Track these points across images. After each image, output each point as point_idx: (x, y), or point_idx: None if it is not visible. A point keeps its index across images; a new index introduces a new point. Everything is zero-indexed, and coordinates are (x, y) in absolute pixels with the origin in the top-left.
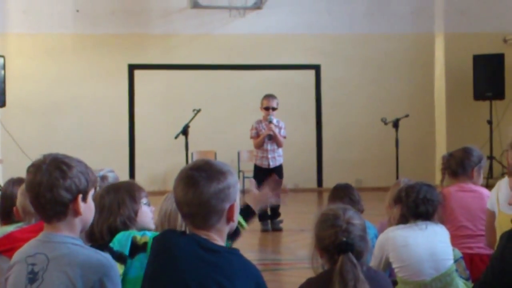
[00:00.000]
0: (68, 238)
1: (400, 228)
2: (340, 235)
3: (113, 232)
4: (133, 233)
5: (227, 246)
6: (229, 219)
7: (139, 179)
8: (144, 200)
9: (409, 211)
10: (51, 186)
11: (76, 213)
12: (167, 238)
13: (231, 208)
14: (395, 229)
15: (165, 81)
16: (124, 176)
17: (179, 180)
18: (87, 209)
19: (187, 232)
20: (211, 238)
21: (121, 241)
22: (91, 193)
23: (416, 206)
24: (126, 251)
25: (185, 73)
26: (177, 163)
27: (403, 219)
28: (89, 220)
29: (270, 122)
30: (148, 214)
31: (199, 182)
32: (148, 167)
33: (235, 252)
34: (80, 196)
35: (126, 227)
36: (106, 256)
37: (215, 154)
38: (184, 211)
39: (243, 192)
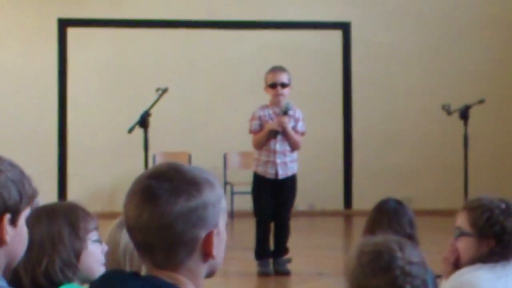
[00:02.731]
0: None
1: (482, 269)
2: (400, 281)
3: (51, 281)
4: None
5: None
6: (206, 254)
7: (73, 194)
8: (92, 235)
9: (507, 248)
10: None
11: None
12: (111, 283)
13: (209, 237)
14: (473, 270)
15: (114, 46)
16: (50, 189)
17: (132, 193)
18: (18, 237)
19: (143, 272)
20: (178, 282)
21: None
22: (24, 213)
23: None
24: None
25: (144, 33)
26: (131, 170)
27: (497, 258)
28: (18, 254)
29: (286, 113)
30: (96, 256)
31: (159, 197)
32: (87, 175)
33: None
34: (8, 216)
35: (64, 275)
36: None
37: (190, 157)
38: (138, 239)
39: (232, 215)
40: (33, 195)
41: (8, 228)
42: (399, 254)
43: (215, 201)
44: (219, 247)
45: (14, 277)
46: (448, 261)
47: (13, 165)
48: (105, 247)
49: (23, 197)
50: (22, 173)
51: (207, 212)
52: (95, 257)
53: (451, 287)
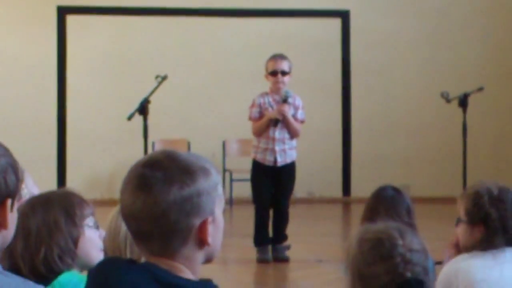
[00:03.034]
0: None
1: (476, 256)
2: (401, 269)
3: (50, 269)
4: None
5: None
6: (202, 241)
7: (73, 181)
8: (89, 221)
9: (498, 235)
10: None
11: (2, 225)
12: (108, 271)
13: (203, 225)
14: (469, 257)
15: (114, 33)
16: (49, 177)
17: (127, 181)
18: (13, 221)
19: (142, 260)
20: (174, 269)
21: (68, 287)
22: (17, 197)
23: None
24: None
25: (144, 21)
26: (131, 157)
27: (486, 245)
28: (10, 238)
29: (285, 101)
30: (94, 242)
31: (152, 185)
32: (86, 163)
33: (209, 285)
34: (9, 201)
35: (63, 262)
36: None
37: (189, 144)
38: (132, 227)
39: (231, 203)
40: (23, 178)
41: (9, 213)
42: (400, 242)
43: (210, 189)
44: (215, 234)
45: (12, 266)
46: (451, 246)
47: (6, 149)
48: (102, 232)
49: (19, 181)
50: (13, 157)
51: (201, 200)
52: (93, 243)
53: (446, 274)
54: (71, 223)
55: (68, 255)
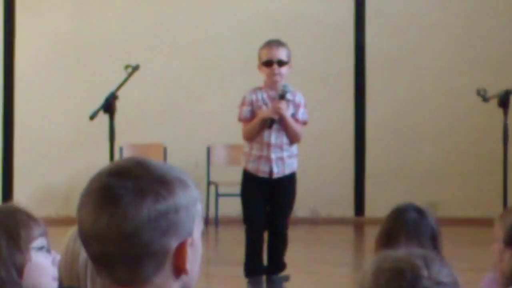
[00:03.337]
0: None
1: None
2: None
3: None
4: None
5: None
6: (179, 268)
7: (21, 194)
8: (37, 243)
9: None
10: None
11: None
12: None
13: (182, 247)
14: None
15: (74, 13)
16: None
17: (88, 194)
18: None
19: None
20: None
21: None
22: None
23: None
24: None
25: (110, 0)
26: (93, 166)
27: None
28: None
29: (283, 97)
30: (45, 269)
31: (120, 198)
32: (38, 172)
33: None
34: None
35: None
36: None
37: (165, 150)
38: (94, 250)
39: (217, 222)
40: None
41: None
42: (424, 273)
43: (188, 204)
44: (193, 260)
45: None
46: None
47: None
48: (57, 257)
49: None
50: None
51: (179, 217)
52: (43, 270)
53: None
54: (14, 247)
55: (10, 287)
